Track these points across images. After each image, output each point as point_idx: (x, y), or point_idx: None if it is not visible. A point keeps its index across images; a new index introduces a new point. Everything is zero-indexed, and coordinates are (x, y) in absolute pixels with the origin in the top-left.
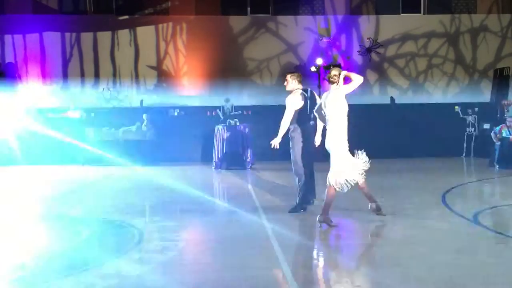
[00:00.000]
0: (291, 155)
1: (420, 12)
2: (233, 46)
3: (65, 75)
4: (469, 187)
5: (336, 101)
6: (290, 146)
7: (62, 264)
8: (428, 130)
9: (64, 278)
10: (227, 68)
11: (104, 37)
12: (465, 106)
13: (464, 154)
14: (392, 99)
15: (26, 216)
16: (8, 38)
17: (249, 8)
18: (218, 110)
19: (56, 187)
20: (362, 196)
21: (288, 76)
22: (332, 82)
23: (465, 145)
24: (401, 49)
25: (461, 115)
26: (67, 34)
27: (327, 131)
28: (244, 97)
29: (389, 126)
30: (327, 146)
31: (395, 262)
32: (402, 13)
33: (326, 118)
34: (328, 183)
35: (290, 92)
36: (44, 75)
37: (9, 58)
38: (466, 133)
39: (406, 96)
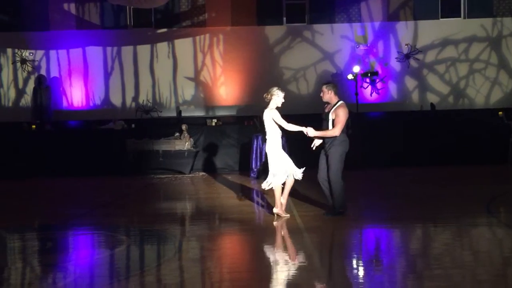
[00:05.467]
0: (334, 163)
1: (460, 17)
2: (269, 55)
3: (106, 88)
4: None
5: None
6: (332, 155)
7: (105, 272)
8: (470, 137)
9: (107, 285)
10: (263, 77)
11: (144, 50)
12: (509, 112)
13: (509, 161)
14: (432, 105)
15: (69, 224)
16: (53, 53)
17: (284, 18)
18: (255, 119)
19: (97, 196)
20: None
21: (324, 87)
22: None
23: (510, 151)
24: (441, 55)
25: (505, 121)
26: (109, 48)
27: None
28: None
29: (429, 134)
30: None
31: (437, 273)
32: (442, 17)
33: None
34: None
35: (326, 103)
36: (87, 88)
37: (54, 73)
38: (510, 140)
39: (446, 103)
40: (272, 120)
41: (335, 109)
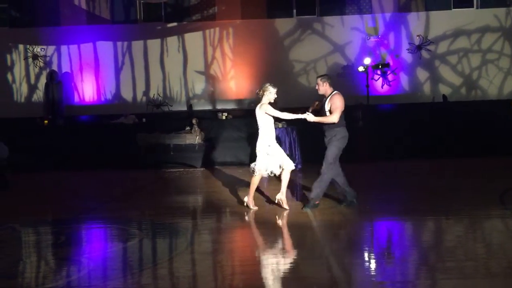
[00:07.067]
0: (329, 156)
1: (472, 7)
2: (279, 48)
3: (117, 83)
4: None
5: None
6: (330, 148)
7: (118, 265)
8: (483, 128)
9: (120, 278)
10: (273, 70)
11: (154, 44)
12: None
13: None
14: (444, 97)
15: (81, 218)
16: (64, 48)
17: (294, 10)
18: None
19: (109, 190)
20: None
21: (319, 80)
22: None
23: None
24: (453, 46)
25: None
26: (119, 43)
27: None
28: (291, 99)
29: (442, 126)
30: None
31: (449, 266)
32: (454, 8)
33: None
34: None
35: (323, 95)
36: (98, 83)
37: (65, 68)
38: None
39: (459, 94)
40: (265, 115)
41: (330, 98)
